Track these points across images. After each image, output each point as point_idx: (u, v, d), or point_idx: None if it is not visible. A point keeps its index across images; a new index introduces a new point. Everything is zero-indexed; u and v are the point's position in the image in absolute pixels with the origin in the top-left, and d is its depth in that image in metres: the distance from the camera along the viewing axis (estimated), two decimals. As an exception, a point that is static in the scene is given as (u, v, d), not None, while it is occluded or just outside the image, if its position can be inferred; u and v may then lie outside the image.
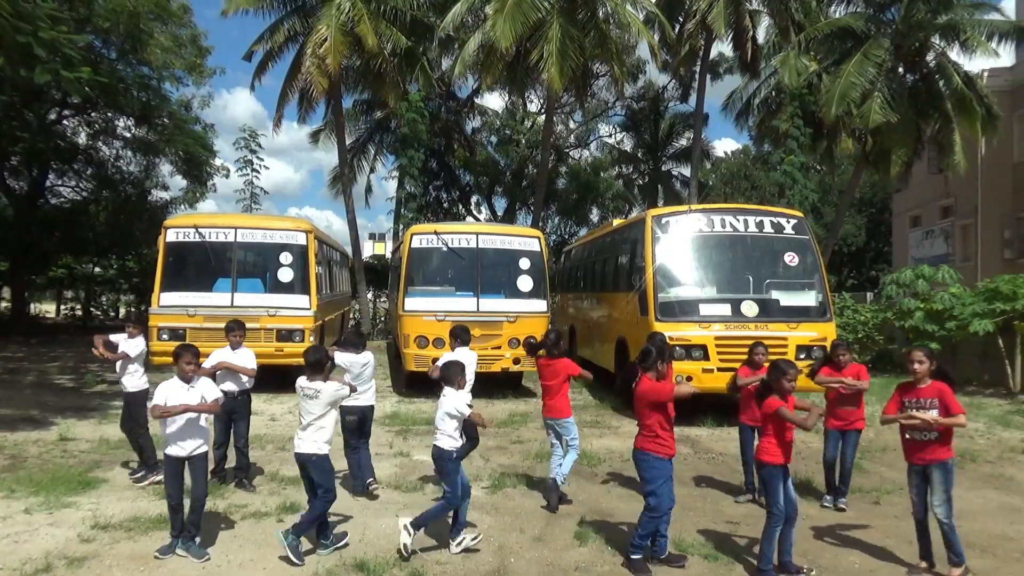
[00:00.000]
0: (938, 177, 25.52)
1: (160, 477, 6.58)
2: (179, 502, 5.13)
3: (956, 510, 6.41)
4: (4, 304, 29.05)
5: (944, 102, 19.20)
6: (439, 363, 5.99)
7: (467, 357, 6.69)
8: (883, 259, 39.09)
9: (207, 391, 5.28)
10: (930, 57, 19.90)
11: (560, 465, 6.53)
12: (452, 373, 5.45)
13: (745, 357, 6.98)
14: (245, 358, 6.83)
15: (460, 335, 7.08)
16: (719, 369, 9.71)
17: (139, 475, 7.01)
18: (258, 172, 26.64)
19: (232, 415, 6.86)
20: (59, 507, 6.11)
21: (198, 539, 5.15)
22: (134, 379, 7.02)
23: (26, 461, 7.70)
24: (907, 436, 5.01)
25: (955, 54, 19.48)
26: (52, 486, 6.60)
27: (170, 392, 5.11)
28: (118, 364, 6.97)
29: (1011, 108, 22.71)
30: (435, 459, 5.41)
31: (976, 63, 26.54)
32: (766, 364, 6.74)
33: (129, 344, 6.98)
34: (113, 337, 7.07)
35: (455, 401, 5.31)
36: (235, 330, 6.91)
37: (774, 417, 4.90)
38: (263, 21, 21.38)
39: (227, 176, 28.02)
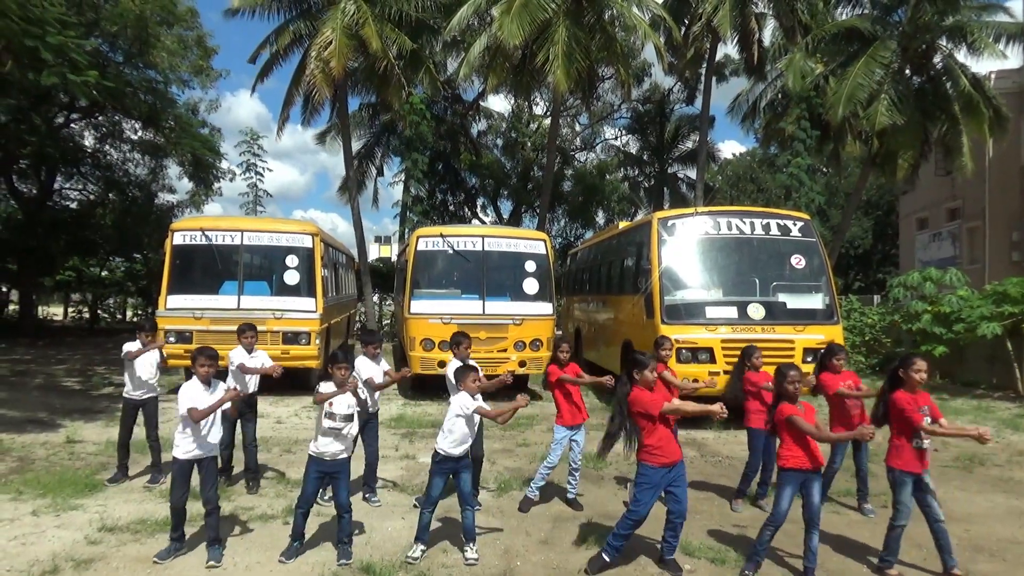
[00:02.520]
0: (945, 179, 25.43)
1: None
2: (183, 505, 5.12)
3: (965, 514, 6.44)
4: (12, 306, 29.17)
5: (951, 104, 19.14)
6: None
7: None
8: (890, 262, 38.97)
9: (219, 395, 5.18)
10: (937, 59, 19.84)
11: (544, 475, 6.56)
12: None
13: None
14: (254, 360, 6.84)
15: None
16: (725, 372, 9.68)
17: (151, 478, 7.03)
18: (261, 175, 26.73)
19: (242, 416, 6.89)
20: (66, 509, 6.13)
21: (217, 546, 5.11)
22: (150, 385, 7.07)
23: (33, 463, 7.72)
24: (913, 445, 4.94)
25: (962, 56, 19.44)
26: (59, 488, 6.61)
27: (195, 395, 5.07)
28: (134, 367, 6.99)
29: (1019, 110, 22.60)
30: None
31: (984, 65, 26.44)
32: (753, 369, 6.73)
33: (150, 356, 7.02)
34: (128, 346, 7.05)
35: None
36: (247, 332, 6.89)
37: (786, 424, 4.89)
38: (268, 24, 21.54)
39: (232, 179, 28.18)
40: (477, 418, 5.25)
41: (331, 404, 5.10)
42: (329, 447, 5.10)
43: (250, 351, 6.84)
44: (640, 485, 4.98)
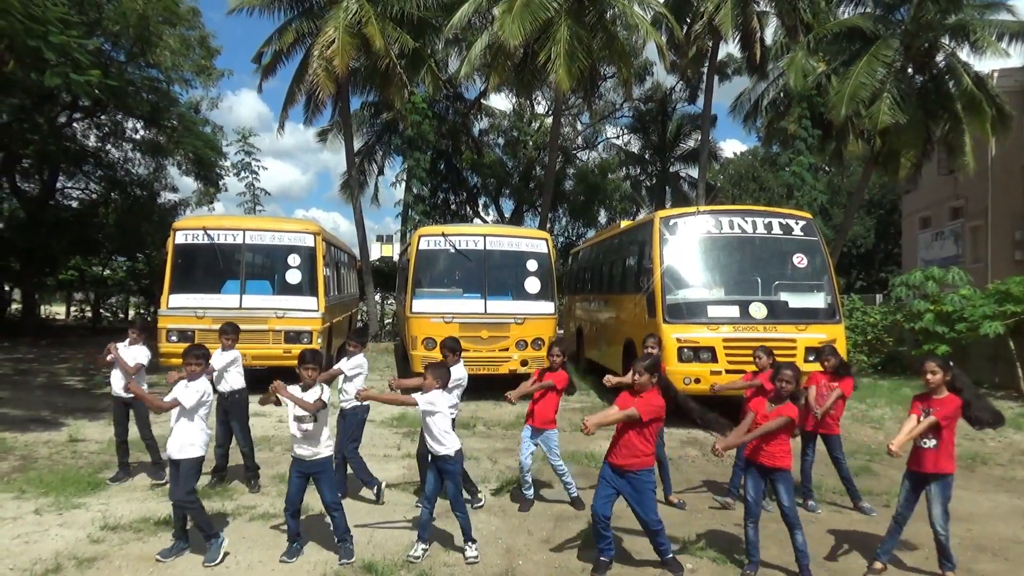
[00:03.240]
0: (948, 178, 25.41)
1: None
2: (174, 500, 5.18)
3: (967, 513, 6.43)
4: (15, 306, 29.22)
5: (954, 103, 19.12)
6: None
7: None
8: (892, 261, 38.94)
9: (192, 390, 5.17)
10: (940, 58, 19.84)
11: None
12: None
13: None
14: (220, 359, 6.75)
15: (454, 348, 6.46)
16: (727, 371, 9.67)
17: (155, 475, 7.03)
18: (256, 174, 26.58)
19: (227, 414, 6.86)
20: (69, 508, 6.14)
21: (214, 541, 5.07)
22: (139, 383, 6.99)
23: (36, 462, 7.73)
24: (915, 444, 4.98)
25: (965, 54, 19.44)
26: (62, 487, 6.62)
27: (175, 391, 5.18)
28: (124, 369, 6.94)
29: (1022, 108, 22.52)
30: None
31: (986, 63, 26.52)
32: (759, 369, 6.72)
33: (132, 351, 6.90)
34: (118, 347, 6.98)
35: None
36: (227, 333, 6.90)
37: None
38: (271, 23, 21.57)
39: (239, 174, 28.14)
40: (429, 418, 5.17)
41: (291, 405, 5.12)
42: (300, 448, 5.15)
43: (224, 350, 6.82)
44: None
